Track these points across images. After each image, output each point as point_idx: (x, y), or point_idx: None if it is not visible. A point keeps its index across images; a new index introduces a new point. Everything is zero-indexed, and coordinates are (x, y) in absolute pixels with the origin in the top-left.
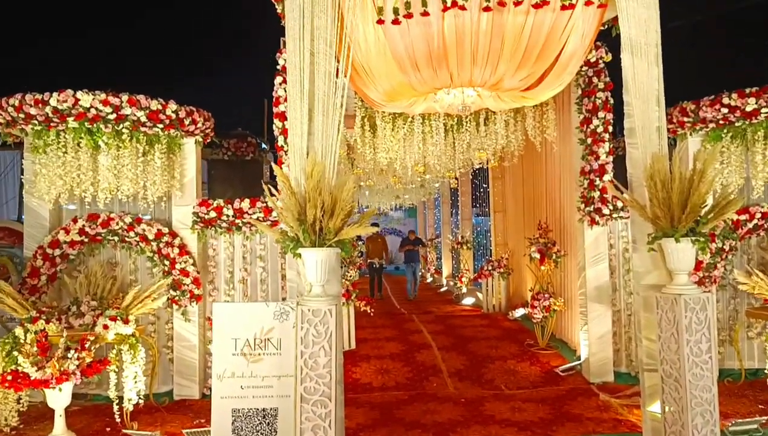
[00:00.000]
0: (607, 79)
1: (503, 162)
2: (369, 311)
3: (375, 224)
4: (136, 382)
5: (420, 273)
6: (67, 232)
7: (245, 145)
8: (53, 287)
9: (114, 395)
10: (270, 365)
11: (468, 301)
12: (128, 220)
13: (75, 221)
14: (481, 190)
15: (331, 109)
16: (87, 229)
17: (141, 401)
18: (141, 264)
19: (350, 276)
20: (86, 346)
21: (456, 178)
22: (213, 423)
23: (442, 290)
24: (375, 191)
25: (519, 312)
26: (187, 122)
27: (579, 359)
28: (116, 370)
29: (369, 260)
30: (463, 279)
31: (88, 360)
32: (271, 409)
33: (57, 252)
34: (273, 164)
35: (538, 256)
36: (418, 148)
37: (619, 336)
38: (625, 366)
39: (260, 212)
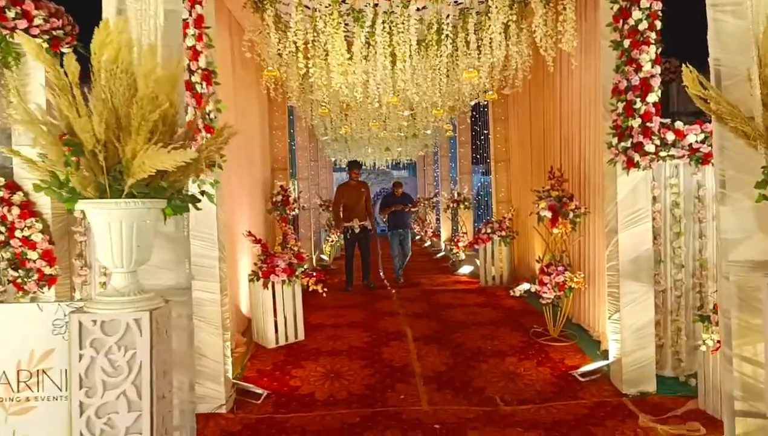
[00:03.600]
0: None
1: (503, 90)
2: (321, 291)
3: (354, 164)
4: None
5: (410, 242)
6: None
7: None
8: None
9: None
10: (47, 418)
11: (465, 270)
12: None
13: None
14: (482, 138)
15: None
16: None
17: None
18: None
19: (332, 241)
20: None
21: (452, 124)
22: None
23: (439, 255)
24: (359, 141)
25: (524, 287)
26: (9, 15)
27: (606, 357)
28: None
29: (344, 224)
30: (460, 244)
31: None
32: None
33: None
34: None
35: (548, 214)
36: (383, 68)
37: (663, 327)
38: (671, 368)
39: None
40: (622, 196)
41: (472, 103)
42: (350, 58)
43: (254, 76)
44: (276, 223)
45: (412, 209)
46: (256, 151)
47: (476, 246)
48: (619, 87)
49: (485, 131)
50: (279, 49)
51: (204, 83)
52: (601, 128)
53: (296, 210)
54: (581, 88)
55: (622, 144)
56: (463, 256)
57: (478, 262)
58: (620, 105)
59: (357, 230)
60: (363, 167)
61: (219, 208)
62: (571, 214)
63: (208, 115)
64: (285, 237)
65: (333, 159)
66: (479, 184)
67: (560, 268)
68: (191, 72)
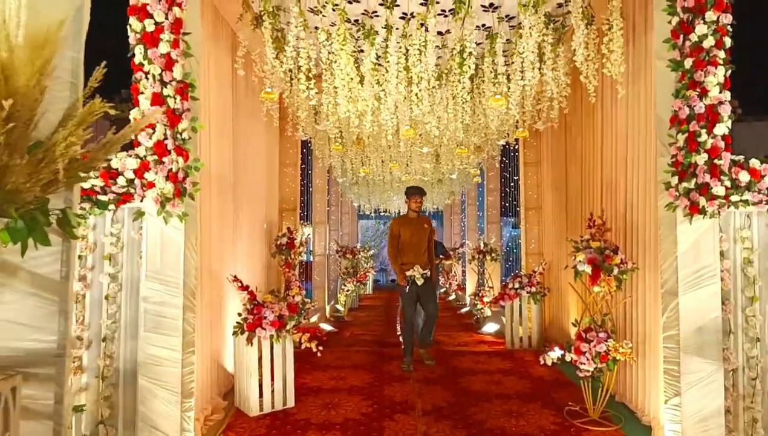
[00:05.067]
0: None
1: (536, 124)
2: (315, 350)
3: (415, 191)
4: None
5: (438, 299)
6: None
7: None
8: None
9: None
10: None
11: (490, 328)
12: None
13: None
14: (512, 184)
15: None
16: None
17: None
18: None
19: (348, 290)
20: None
21: (480, 170)
22: None
23: (464, 310)
24: (381, 186)
25: (556, 354)
26: None
27: None
28: None
29: (404, 271)
30: (485, 299)
31: None
32: None
33: None
34: None
35: (588, 269)
36: (396, 93)
37: (734, 415)
38: None
39: (97, 177)
40: (683, 250)
41: (501, 143)
42: (360, 82)
43: (266, 111)
44: (279, 269)
45: (445, 261)
46: (260, 187)
47: (502, 303)
48: (679, 115)
49: (515, 178)
50: (277, 68)
51: (178, 97)
52: (655, 168)
53: (303, 255)
54: (628, 122)
55: (684, 184)
56: (488, 312)
57: (504, 320)
58: (681, 137)
59: (419, 282)
60: (386, 213)
61: (188, 246)
62: (615, 270)
63: (181, 134)
64: (288, 284)
65: (356, 204)
66: (508, 235)
67: (602, 334)
68: (164, 84)
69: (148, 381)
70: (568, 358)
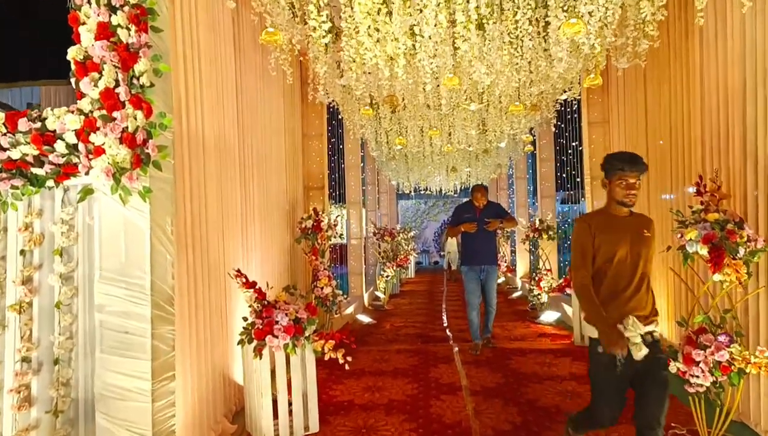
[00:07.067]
0: None
1: (618, 62)
2: (343, 362)
3: (627, 160)
4: None
5: (496, 285)
6: None
7: None
8: None
9: None
10: None
11: (549, 317)
12: None
13: None
14: (569, 152)
15: None
16: None
17: None
18: None
19: (387, 275)
20: None
21: (532, 135)
22: None
23: (515, 295)
24: (419, 160)
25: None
26: None
27: None
28: None
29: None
30: (542, 284)
31: None
32: None
33: None
34: None
35: (704, 250)
36: (436, 28)
37: None
38: None
39: (28, 143)
40: None
41: (563, 98)
42: (388, 15)
43: (276, 63)
44: (305, 256)
45: (501, 226)
46: (277, 161)
47: (569, 290)
48: None
49: (574, 143)
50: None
51: (132, 27)
52: None
53: (333, 239)
54: (748, 50)
55: None
56: (545, 298)
57: (567, 309)
58: None
59: (640, 354)
60: (427, 192)
61: (157, 234)
62: (741, 251)
63: (138, 79)
64: (315, 274)
65: (394, 183)
66: (558, 211)
67: (722, 338)
68: (112, 9)
69: (107, 420)
70: (673, 368)
